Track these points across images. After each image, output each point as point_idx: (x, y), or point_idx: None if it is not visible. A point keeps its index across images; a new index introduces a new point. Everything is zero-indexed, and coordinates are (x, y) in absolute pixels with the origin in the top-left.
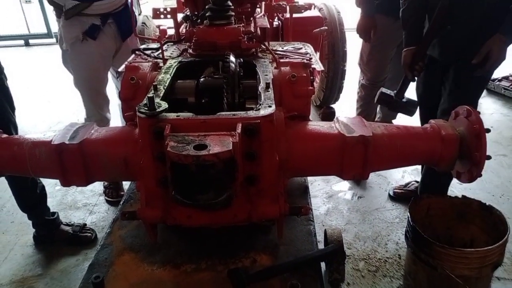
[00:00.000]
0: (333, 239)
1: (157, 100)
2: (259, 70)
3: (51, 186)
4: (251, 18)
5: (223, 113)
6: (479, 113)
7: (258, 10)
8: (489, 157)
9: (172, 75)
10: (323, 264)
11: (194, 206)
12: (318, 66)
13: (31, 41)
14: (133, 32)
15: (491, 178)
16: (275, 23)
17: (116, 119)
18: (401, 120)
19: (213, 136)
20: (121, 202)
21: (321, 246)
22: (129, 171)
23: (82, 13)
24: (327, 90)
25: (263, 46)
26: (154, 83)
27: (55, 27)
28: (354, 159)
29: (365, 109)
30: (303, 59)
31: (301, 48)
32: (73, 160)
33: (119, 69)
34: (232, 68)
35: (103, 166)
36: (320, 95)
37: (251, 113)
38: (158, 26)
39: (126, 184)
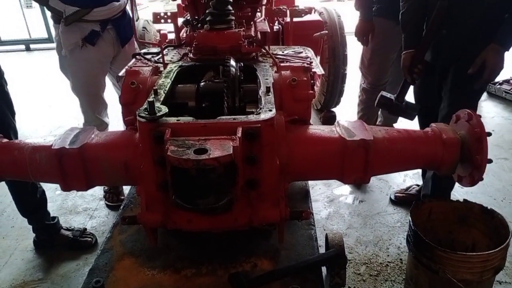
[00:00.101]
0: (334, 243)
1: (157, 104)
2: (260, 74)
3: (51, 190)
4: (252, 22)
5: (224, 117)
6: (480, 116)
7: (258, 14)
8: (490, 161)
9: (172, 79)
10: (324, 269)
11: (195, 210)
12: (318, 70)
13: (32, 46)
14: (132, 37)
15: (493, 181)
16: (276, 27)
17: (117, 123)
18: (403, 124)
19: (214, 140)
20: (122, 207)
21: (322, 250)
22: (130, 175)
23: (82, 19)
24: (327, 94)
25: (264, 50)
26: (154, 88)
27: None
28: (355, 163)
29: (366, 113)
30: (303, 63)
31: (301, 52)
32: (73, 164)
33: (119, 74)
34: (232, 72)
35: (104, 171)
36: (320, 99)
37: (252, 117)
38: (159, 31)
39: (126, 189)
